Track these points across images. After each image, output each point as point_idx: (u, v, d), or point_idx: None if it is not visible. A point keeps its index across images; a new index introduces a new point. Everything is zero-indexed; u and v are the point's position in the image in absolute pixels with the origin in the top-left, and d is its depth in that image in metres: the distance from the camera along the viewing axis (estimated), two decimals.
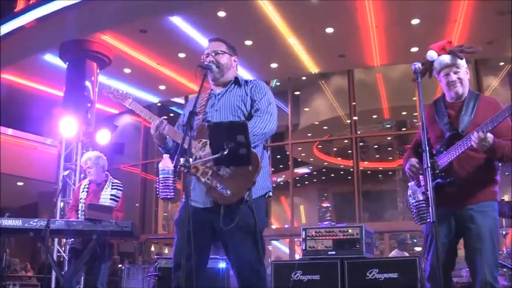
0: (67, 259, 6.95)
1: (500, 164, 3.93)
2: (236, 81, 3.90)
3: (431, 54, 4.05)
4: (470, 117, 3.88)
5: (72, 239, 6.48)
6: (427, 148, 3.45)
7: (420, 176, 3.99)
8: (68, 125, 9.94)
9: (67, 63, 12.71)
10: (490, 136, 3.61)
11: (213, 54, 3.87)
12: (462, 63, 4.04)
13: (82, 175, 10.62)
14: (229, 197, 3.44)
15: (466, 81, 4.02)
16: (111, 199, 6.32)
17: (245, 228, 3.49)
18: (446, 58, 4.01)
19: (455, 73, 3.99)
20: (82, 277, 7.94)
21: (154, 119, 3.75)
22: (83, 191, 6.50)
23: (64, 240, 9.63)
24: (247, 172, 3.45)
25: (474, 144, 3.63)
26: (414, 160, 4.00)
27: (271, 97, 3.83)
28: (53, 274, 8.90)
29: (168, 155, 3.27)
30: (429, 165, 3.41)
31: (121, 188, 6.52)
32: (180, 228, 3.57)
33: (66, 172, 10.56)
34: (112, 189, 6.45)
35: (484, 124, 3.64)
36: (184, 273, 3.06)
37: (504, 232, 7.29)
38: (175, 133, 3.73)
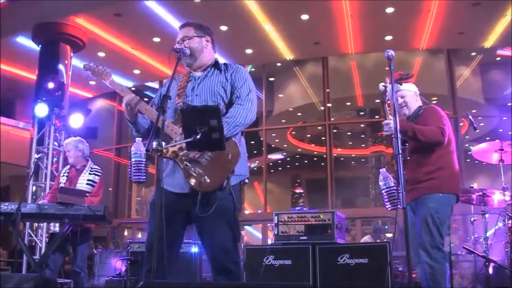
0: (26, 246, 6.92)
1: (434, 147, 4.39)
2: (216, 65, 3.88)
3: (380, 86, 4.59)
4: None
5: (52, 225, 6.49)
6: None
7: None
8: (40, 109, 9.86)
9: (40, 45, 12.58)
10: (389, 122, 4.17)
11: (181, 42, 3.86)
12: (408, 88, 4.68)
13: (55, 159, 10.56)
14: (208, 184, 3.45)
15: (413, 103, 4.68)
16: (87, 184, 6.33)
17: (222, 213, 3.51)
18: (391, 91, 4.49)
19: (402, 97, 4.65)
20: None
21: (128, 94, 3.69)
22: (63, 176, 6.54)
23: (36, 224, 9.58)
24: (227, 160, 3.48)
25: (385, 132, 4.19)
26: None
27: (251, 83, 3.82)
28: (25, 258, 8.86)
29: (140, 139, 3.26)
30: (400, 152, 3.49)
31: (99, 174, 6.52)
32: (154, 212, 3.60)
33: (38, 155, 10.49)
34: (90, 174, 6.44)
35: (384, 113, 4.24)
36: (155, 257, 3.05)
37: (472, 219, 7.41)
38: (151, 111, 3.66)
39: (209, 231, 3.57)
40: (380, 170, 3.77)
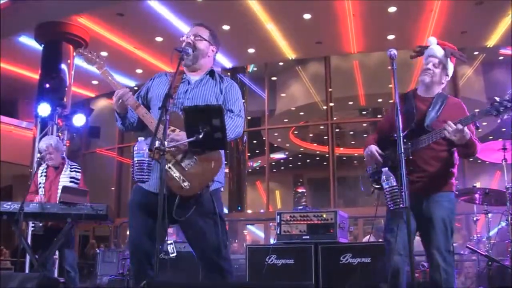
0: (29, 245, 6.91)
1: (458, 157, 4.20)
2: (212, 74, 3.89)
3: (431, 39, 4.28)
4: (437, 114, 4.10)
5: (33, 226, 6.43)
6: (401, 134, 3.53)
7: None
8: (43, 108, 9.87)
9: (42, 45, 12.61)
10: (467, 129, 3.82)
11: (192, 37, 3.86)
12: (447, 65, 4.23)
13: None
14: (187, 190, 3.45)
15: (438, 78, 4.23)
16: (70, 181, 6.28)
17: (205, 215, 3.55)
18: (437, 51, 4.22)
19: (434, 65, 4.19)
20: (57, 261, 7.94)
21: (120, 88, 3.68)
22: (41, 176, 6.42)
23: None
24: (209, 168, 3.51)
25: (449, 135, 3.80)
26: (374, 147, 4.20)
27: (242, 101, 3.89)
28: (27, 257, 8.86)
29: (143, 138, 3.26)
30: (402, 151, 3.47)
31: (79, 170, 6.48)
32: (134, 212, 3.62)
33: (41, 155, 10.47)
34: (71, 171, 6.40)
35: (465, 118, 3.83)
36: (158, 257, 3.06)
37: (475, 219, 7.40)
38: (141, 110, 3.68)
39: (195, 233, 3.62)
40: (383, 169, 3.73)
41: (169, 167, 3.47)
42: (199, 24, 3.98)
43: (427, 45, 4.29)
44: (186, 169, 3.48)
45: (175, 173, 3.46)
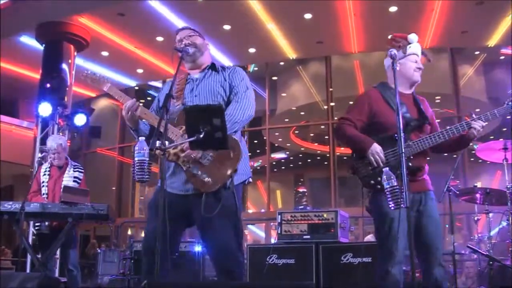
0: (32, 244, 6.90)
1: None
2: (213, 66, 3.89)
3: (413, 37, 4.24)
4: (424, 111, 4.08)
5: (38, 225, 6.44)
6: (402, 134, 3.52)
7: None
8: (44, 108, 9.87)
9: (43, 45, 12.62)
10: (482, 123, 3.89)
11: (186, 38, 3.87)
12: None
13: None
14: (211, 184, 3.45)
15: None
16: (73, 181, 6.31)
17: (226, 214, 3.49)
18: (420, 50, 4.26)
19: (421, 64, 4.25)
20: (58, 260, 7.94)
21: (128, 100, 3.67)
22: (44, 175, 6.43)
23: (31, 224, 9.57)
24: (229, 159, 3.47)
25: (476, 130, 3.89)
26: (379, 147, 3.98)
27: (248, 82, 3.85)
28: (28, 257, 8.87)
29: (143, 138, 3.26)
30: (403, 151, 3.46)
31: (82, 170, 6.51)
32: (152, 213, 3.59)
33: (42, 155, 10.48)
34: (74, 171, 6.42)
35: (485, 115, 3.88)
36: (158, 257, 3.05)
37: (475, 218, 7.40)
38: (151, 116, 3.68)
39: (213, 233, 3.56)
40: (384, 169, 3.72)
41: (189, 166, 3.49)
42: (182, 28, 3.99)
43: (409, 42, 4.25)
44: (205, 164, 3.48)
45: (196, 171, 3.47)
